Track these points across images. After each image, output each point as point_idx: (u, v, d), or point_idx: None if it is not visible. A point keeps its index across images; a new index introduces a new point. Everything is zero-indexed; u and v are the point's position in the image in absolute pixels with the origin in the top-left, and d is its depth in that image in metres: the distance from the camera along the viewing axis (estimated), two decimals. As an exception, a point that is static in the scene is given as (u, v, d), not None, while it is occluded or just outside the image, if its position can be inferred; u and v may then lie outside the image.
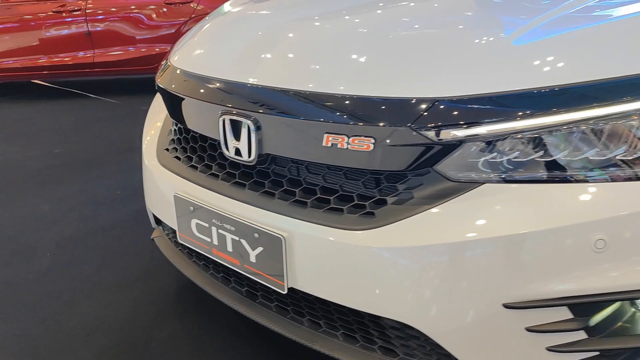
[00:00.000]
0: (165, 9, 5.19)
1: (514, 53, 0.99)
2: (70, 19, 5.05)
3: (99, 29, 5.10)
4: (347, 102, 1.00)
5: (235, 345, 1.56)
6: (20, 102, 5.13)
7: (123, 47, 5.19)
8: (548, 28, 1.02)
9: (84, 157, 3.40)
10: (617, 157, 0.91)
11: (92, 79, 5.65)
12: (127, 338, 1.63)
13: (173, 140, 1.44)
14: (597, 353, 0.96)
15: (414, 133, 0.93)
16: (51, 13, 5.02)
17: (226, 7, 1.66)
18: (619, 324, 0.97)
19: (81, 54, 5.14)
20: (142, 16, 5.16)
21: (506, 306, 0.92)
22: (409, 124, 0.93)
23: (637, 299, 0.93)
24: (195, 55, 1.40)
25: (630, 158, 0.91)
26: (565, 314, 0.93)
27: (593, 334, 0.95)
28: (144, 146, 1.53)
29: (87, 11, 5.05)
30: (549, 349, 0.94)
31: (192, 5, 5.19)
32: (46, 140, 3.85)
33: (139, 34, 5.18)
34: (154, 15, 5.19)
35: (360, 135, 0.98)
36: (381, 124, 0.96)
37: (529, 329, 0.93)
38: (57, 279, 1.96)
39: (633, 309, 0.99)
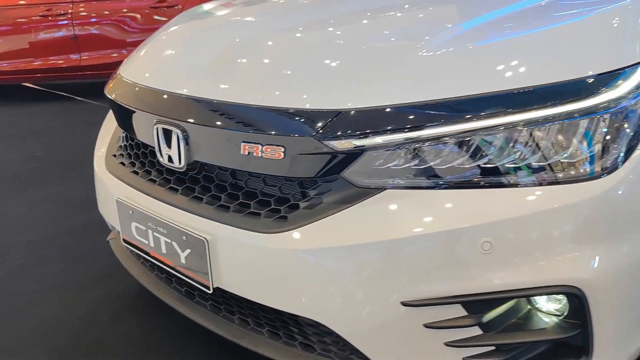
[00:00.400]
0: (150, 13, 5.27)
1: (413, 67, 1.05)
2: (56, 23, 5.13)
3: (85, 32, 5.17)
4: (259, 113, 1.07)
5: (188, 343, 1.63)
6: (9, 105, 5.20)
7: (109, 50, 5.27)
8: (449, 44, 1.09)
9: (64, 160, 3.47)
10: (504, 166, 0.98)
11: (80, 81, 5.72)
12: (83, 336, 1.70)
13: (120, 147, 1.50)
14: (493, 348, 1.03)
15: (319, 143, 1.00)
16: (38, 17, 5.09)
17: (172, 22, 1.74)
18: (514, 320, 1.03)
19: (68, 57, 5.22)
20: (128, 20, 5.23)
21: (404, 304, 0.98)
22: (313, 135, 1.00)
23: (522, 297, 0.99)
24: (138, 67, 1.47)
25: (514, 166, 0.97)
26: (459, 311, 0.99)
27: (488, 330, 1.01)
28: (95, 152, 1.60)
29: (73, 15, 5.13)
30: (447, 344, 1.01)
31: (177, 8, 5.27)
32: (30, 143, 3.93)
33: (125, 38, 5.26)
34: (140, 19, 5.27)
35: (272, 145, 1.04)
36: (289, 134, 1.02)
37: (426, 325, 0.99)
38: (23, 279, 2.03)
39: (529, 307, 1.05)
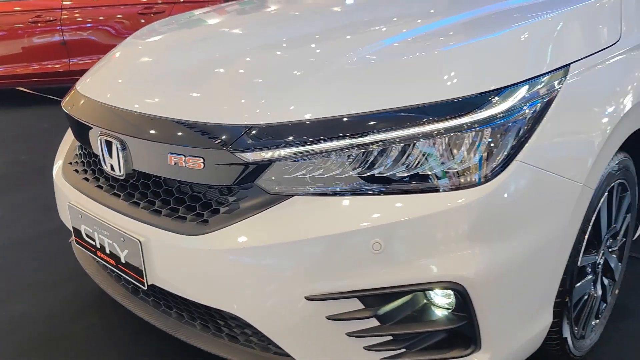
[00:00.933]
0: (138, 19, 5.39)
1: (317, 85, 1.17)
2: (46, 29, 5.25)
3: (74, 38, 5.30)
4: (182, 127, 1.19)
5: (144, 337, 1.74)
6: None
7: (98, 55, 5.39)
8: (354, 64, 1.21)
9: (46, 164, 3.56)
10: (396, 175, 1.09)
11: (70, 85, 5.84)
12: (48, 331, 1.82)
13: (75, 155, 1.63)
14: (390, 338, 1.15)
15: (232, 155, 1.12)
16: (28, 23, 5.22)
17: (125, 41, 1.87)
18: (410, 313, 1.15)
19: (57, 62, 5.35)
20: (116, 26, 5.36)
21: (307, 298, 1.10)
22: (227, 147, 1.12)
23: (410, 292, 1.11)
24: (91, 81, 1.60)
25: (404, 175, 1.09)
26: (357, 304, 1.11)
27: (384, 322, 1.13)
28: (55, 160, 1.72)
29: (62, 21, 5.25)
30: (348, 334, 1.13)
31: (163, 14, 5.39)
32: (15, 147, 4.05)
33: (114, 43, 5.37)
34: (128, 25, 5.39)
35: (193, 156, 1.16)
36: (207, 147, 1.14)
37: (328, 318, 1.11)
38: (-2, 278, 2.16)
39: (425, 301, 1.17)
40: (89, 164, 1.53)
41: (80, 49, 5.35)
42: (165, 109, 1.25)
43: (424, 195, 1.08)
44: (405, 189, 1.09)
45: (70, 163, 1.62)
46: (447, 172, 1.09)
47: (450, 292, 1.12)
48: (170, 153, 1.20)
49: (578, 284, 1.43)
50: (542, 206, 1.16)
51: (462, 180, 1.08)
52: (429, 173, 1.09)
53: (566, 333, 1.42)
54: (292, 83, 1.19)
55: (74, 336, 1.79)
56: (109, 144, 1.34)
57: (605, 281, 1.64)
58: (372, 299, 1.11)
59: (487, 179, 1.08)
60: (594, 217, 1.38)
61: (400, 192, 1.09)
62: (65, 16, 5.26)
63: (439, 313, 1.16)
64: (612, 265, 1.65)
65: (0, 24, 5.20)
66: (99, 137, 1.36)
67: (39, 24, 5.24)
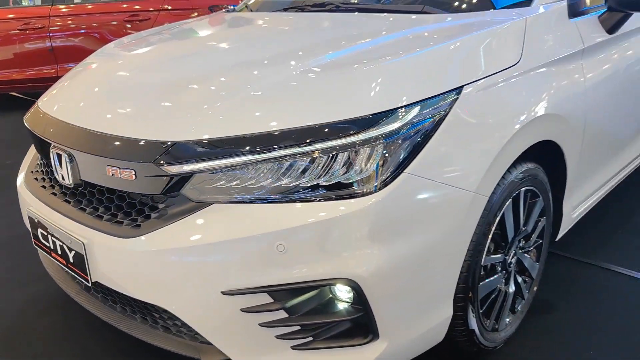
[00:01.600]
0: (124, 26, 5.55)
1: (232, 107, 1.34)
2: (34, 36, 5.42)
3: (61, 44, 5.46)
4: (117, 142, 1.35)
5: (105, 333, 1.90)
6: (-13, 115, 5.49)
7: (85, 61, 5.56)
8: (268, 87, 1.37)
9: (30, 168, 3.75)
10: (299, 186, 1.25)
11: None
12: (17, 326, 1.98)
13: (37, 165, 1.79)
14: (299, 327, 1.31)
15: (158, 168, 1.28)
16: (17, 31, 5.38)
17: (85, 60, 2.04)
18: (316, 305, 1.31)
19: (46, 68, 5.51)
20: (103, 33, 5.52)
21: (224, 293, 1.26)
22: (152, 161, 1.28)
23: (311, 288, 1.27)
24: (49, 98, 1.76)
25: (306, 186, 1.25)
26: (267, 299, 1.27)
27: (292, 314, 1.29)
28: (20, 169, 1.88)
29: (50, 29, 5.41)
30: (260, 325, 1.28)
31: (148, 22, 5.56)
32: (1, 151, 4.21)
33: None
34: (114, 32, 5.55)
35: (126, 168, 1.32)
36: (136, 160, 1.30)
37: (242, 310, 1.27)
38: (-30, 278, 2.31)
39: (330, 295, 1.33)
40: (46, 173, 1.70)
41: (68, 55, 5.51)
42: (105, 125, 1.42)
43: (324, 203, 1.24)
44: (308, 197, 1.25)
45: (32, 172, 1.78)
46: (344, 183, 1.25)
47: (346, 285, 1.28)
48: (108, 165, 1.36)
49: (484, 282, 1.59)
50: (434, 212, 1.32)
51: (356, 189, 1.24)
52: (329, 183, 1.25)
53: (473, 325, 1.57)
54: (210, 104, 1.35)
55: (39, 330, 1.95)
56: (59, 157, 1.50)
57: (520, 279, 1.80)
58: (280, 293, 1.27)
59: (379, 189, 1.24)
60: (497, 221, 1.54)
61: (303, 200, 1.24)
62: (53, 24, 5.42)
63: (341, 306, 1.31)
64: (527, 264, 1.81)
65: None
66: (52, 150, 1.52)
67: (28, 31, 5.40)
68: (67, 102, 1.64)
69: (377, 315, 1.29)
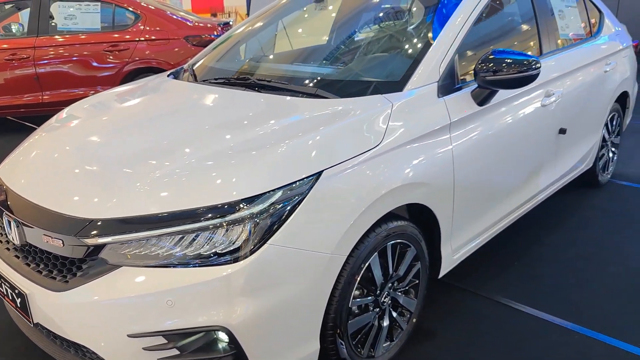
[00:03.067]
0: (104, 55, 5.94)
1: (137, 190, 1.72)
2: (20, 66, 5.81)
3: (45, 72, 5.86)
4: (49, 215, 1.74)
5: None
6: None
7: (68, 89, 5.96)
8: (165, 173, 1.75)
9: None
10: (186, 254, 1.64)
11: (43, 115, 6.40)
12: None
13: (-2, 223, 2.18)
14: (187, 362, 1.69)
15: (78, 240, 1.67)
16: (4, 61, 5.77)
17: (39, 128, 2.43)
18: (202, 344, 1.69)
19: (31, 95, 5.91)
20: (84, 62, 5.91)
21: (129, 336, 1.64)
22: (74, 234, 1.67)
23: (194, 333, 1.65)
24: (6, 166, 2.15)
25: (190, 254, 1.64)
26: (161, 340, 1.65)
27: (184, 350, 1.68)
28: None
29: (35, 59, 5.81)
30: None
31: (127, 51, 5.95)
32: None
33: (82, 77, 5.94)
34: (96, 61, 5.94)
35: (56, 238, 1.71)
36: (62, 232, 1.69)
37: (144, 349, 1.65)
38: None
39: (214, 336, 1.71)
40: (3, 229, 2.08)
41: (52, 83, 5.91)
42: (42, 199, 1.82)
43: (204, 268, 1.62)
44: (192, 263, 1.63)
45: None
46: (220, 253, 1.63)
47: (222, 332, 1.66)
48: (44, 234, 1.75)
49: (354, 319, 1.97)
50: (294, 272, 1.71)
51: (229, 258, 1.62)
52: (207, 253, 1.63)
53: (344, 355, 1.96)
54: (120, 188, 1.75)
55: (5, 354, 2.34)
56: (9, 222, 1.89)
57: (395, 314, 2.18)
58: (172, 336, 1.65)
59: (246, 257, 1.63)
60: (362, 272, 1.92)
61: (188, 266, 1.63)
62: (37, 54, 5.81)
63: (221, 346, 1.70)
64: (402, 301, 2.19)
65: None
66: (4, 216, 1.91)
67: (14, 62, 5.79)
68: (15, 173, 2.05)
69: (248, 353, 1.67)
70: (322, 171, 1.78)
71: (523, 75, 2.23)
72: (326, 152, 1.83)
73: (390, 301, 2.14)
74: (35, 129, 6.14)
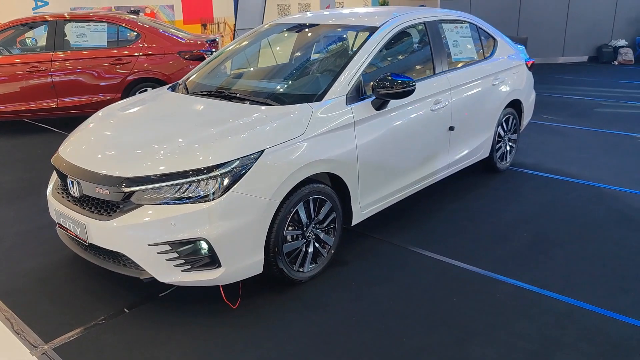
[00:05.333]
0: (110, 68, 7.09)
1: (152, 159, 2.89)
2: (40, 76, 6.94)
3: (60, 81, 6.99)
4: (99, 175, 2.91)
5: (103, 280, 3.44)
6: (6, 138, 7.01)
7: (79, 96, 7.10)
8: (178, 147, 2.93)
9: (43, 181, 5.27)
10: (182, 197, 2.81)
11: (59, 119, 7.53)
12: (42, 273, 3.51)
13: (58, 184, 3.33)
14: (183, 261, 2.85)
15: (117, 189, 2.83)
16: (26, 72, 6.91)
17: (89, 119, 3.60)
18: (192, 251, 2.86)
19: (49, 100, 7.04)
20: (93, 73, 7.05)
21: (149, 245, 2.80)
22: (115, 186, 2.83)
23: (188, 242, 2.82)
24: (63, 147, 3.32)
25: (184, 197, 2.81)
26: (167, 247, 2.81)
27: (180, 254, 2.84)
28: (48, 183, 3.43)
29: (52, 70, 6.94)
30: (166, 259, 2.82)
31: (129, 64, 7.10)
32: (19, 168, 5.73)
33: (91, 85, 7.09)
34: (103, 72, 7.09)
35: (103, 188, 2.87)
36: (105, 185, 2.85)
37: (158, 252, 2.81)
38: (9, 255, 3.83)
39: (199, 246, 2.87)
40: (63, 188, 3.24)
41: (66, 91, 7.05)
42: (93, 164, 3.00)
43: (193, 204, 2.79)
44: (185, 202, 2.79)
45: (55, 189, 3.32)
46: (203, 195, 2.80)
47: (204, 242, 2.82)
48: (96, 186, 2.91)
49: (288, 243, 3.14)
50: (247, 208, 2.87)
51: (208, 198, 2.79)
52: (195, 195, 2.80)
53: (281, 265, 3.13)
54: (143, 157, 2.91)
55: (58, 277, 3.48)
56: (72, 182, 3.05)
57: (318, 245, 3.35)
58: (174, 244, 2.81)
59: (217, 198, 2.79)
60: (292, 213, 3.09)
61: (183, 203, 2.79)
62: (54, 66, 6.95)
63: (203, 251, 2.86)
64: (322, 237, 3.37)
65: (4, 72, 6.89)
66: (68, 178, 3.07)
67: (34, 73, 6.93)
68: (74, 150, 3.21)
69: (219, 255, 2.84)
70: (265, 149, 2.95)
71: (403, 91, 3.43)
72: (268, 138, 3.01)
73: (313, 235, 3.32)
74: (47, 129, 7.39)
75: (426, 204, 4.52)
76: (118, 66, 7.13)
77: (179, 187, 2.82)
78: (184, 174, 2.82)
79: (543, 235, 3.95)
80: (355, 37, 3.93)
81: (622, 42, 12.99)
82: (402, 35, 4.13)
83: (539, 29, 12.86)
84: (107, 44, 7.22)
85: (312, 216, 3.27)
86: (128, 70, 7.16)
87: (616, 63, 12.84)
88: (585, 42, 13.27)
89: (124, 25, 7.32)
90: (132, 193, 2.85)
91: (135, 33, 7.32)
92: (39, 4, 11.83)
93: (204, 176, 2.81)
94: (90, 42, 7.20)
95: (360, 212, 3.63)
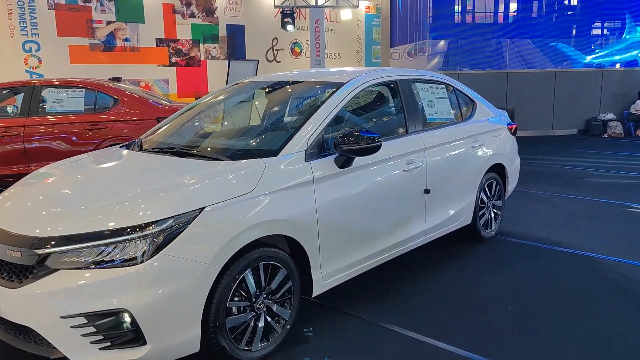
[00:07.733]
0: (84, 133, 6.90)
1: (74, 218, 2.54)
2: (11, 141, 6.73)
3: (32, 147, 6.77)
4: (12, 236, 2.55)
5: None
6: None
7: (50, 161, 6.83)
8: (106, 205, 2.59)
9: None
10: (103, 261, 2.43)
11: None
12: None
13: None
14: (102, 337, 2.42)
15: (31, 251, 2.46)
16: (-3, 137, 6.71)
17: (19, 182, 3.28)
18: (112, 325, 2.43)
19: (19, 166, 6.79)
20: (67, 138, 6.85)
21: (61, 317, 2.38)
22: (28, 248, 2.46)
23: (101, 315, 2.40)
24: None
25: (107, 260, 2.42)
26: (84, 320, 2.39)
27: (99, 329, 2.41)
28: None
29: (24, 135, 6.75)
30: (81, 335, 2.39)
31: (105, 130, 6.93)
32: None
33: (64, 151, 6.86)
34: (77, 138, 6.89)
35: (16, 251, 2.50)
36: (21, 247, 2.48)
37: (71, 327, 2.39)
38: None
39: (121, 319, 2.45)
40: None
41: (37, 156, 6.81)
42: (6, 223, 2.64)
43: (116, 269, 2.40)
44: (107, 266, 2.41)
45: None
46: (125, 257, 2.42)
47: (126, 313, 2.41)
48: (7, 248, 2.54)
49: (232, 317, 2.71)
50: (180, 273, 2.49)
51: (135, 260, 2.41)
52: (120, 258, 2.42)
53: (223, 343, 2.69)
54: (61, 215, 2.56)
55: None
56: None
57: (269, 319, 2.92)
58: (90, 317, 2.40)
59: (147, 260, 2.41)
60: (237, 281, 2.70)
61: (104, 268, 2.41)
62: (27, 131, 6.76)
63: (125, 325, 2.44)
64: (276, 310, 2.94)
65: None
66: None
67: (6, 137, 6.73)
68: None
69: (144, 330, 2.41)
70: (205, 207, 2.61)
71: (368, 147, 3.14)
72: (210, 195, 2.67)
73: (265, 308, 2.89)
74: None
75: (400, 273, 4.11)
76: (93, 131, 6.95)
77: (101, 249, 2.45)
78: (107, 234, 2.46)
79: (528, 309, 3.52)
80: (322, 94, 3.71)
81: (611, 116, 13.04)
82: (372, 93, 3.92)
83: (527, 103, 12.95)
84: (83, 109, 7.09)
85: (263, 285, 2.87)
86: (103, 136, 6.96)
87: (606, 136, 12.81)
88: (574, 116, 13.32)
89: (102, 91, 7.22)
90: (46, 256, 2.47)
91: (113, 99, 7.20)
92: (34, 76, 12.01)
93: (130, 236, 2.45)
94: (66, 108, 7.05)
95: (323, 281, 3.22)
